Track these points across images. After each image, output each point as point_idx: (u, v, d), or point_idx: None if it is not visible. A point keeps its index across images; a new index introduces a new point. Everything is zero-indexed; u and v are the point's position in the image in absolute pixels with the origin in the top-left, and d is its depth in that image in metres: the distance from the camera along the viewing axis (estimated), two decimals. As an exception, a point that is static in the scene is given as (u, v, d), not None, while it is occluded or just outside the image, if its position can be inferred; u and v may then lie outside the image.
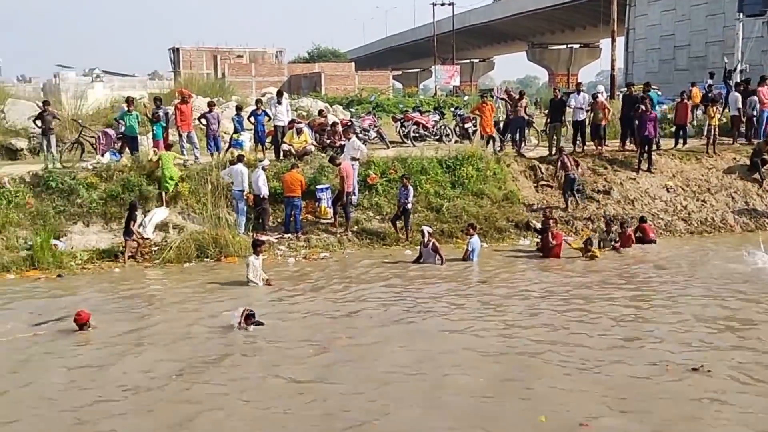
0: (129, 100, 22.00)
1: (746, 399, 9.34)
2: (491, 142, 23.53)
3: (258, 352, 11.58)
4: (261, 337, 12.24)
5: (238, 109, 23.29)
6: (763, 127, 24.43)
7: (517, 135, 23.88)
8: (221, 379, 10.38)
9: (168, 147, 20.52)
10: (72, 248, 18.39)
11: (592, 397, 9.46)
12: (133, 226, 17.98)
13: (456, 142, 25.41)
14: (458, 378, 10.26)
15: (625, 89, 25.55)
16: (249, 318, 12.60)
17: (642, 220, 20.29)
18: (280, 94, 23.49)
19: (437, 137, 26.26)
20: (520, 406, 9.26)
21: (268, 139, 22.64)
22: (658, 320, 12.90)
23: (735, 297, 14.27)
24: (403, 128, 26.39)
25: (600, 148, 23.39)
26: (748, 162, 23.42)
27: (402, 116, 27.84)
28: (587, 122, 23.58)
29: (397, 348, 11.66)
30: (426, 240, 17.79)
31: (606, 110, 23.28)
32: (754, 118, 24.71)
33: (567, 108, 23.94)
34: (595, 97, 23.70)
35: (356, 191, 20.50)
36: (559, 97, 24.38)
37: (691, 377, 10.05)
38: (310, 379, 10.32)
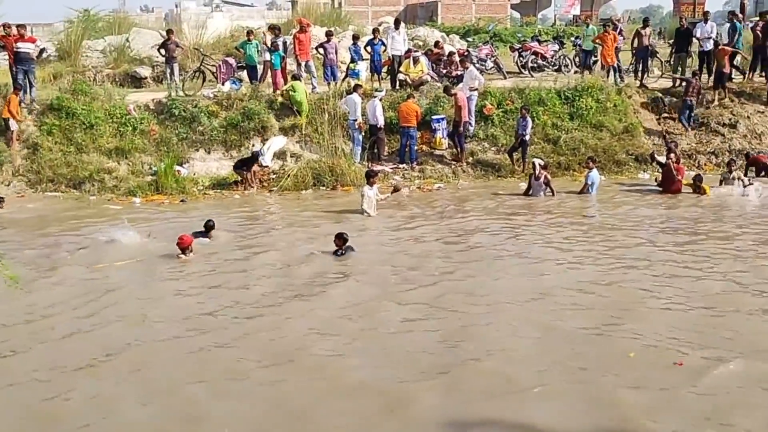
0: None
1: None
2: (612, 72, 22.79)
3: (364, 278, 11.75)
4: (366, 264, 12.43)
5: (355, 38, 23.23)
6: None
7: (640, 65, 23.10)
8: (330, 304, 10.56)
9: (296, 78, 20.66)
10: (194, 174, 18.98)
11: (690, 336, 9.21)
12: (247, 168, 18.42)
13: (575, 72, 24.73)
14: (558, 310, 10.22)
15: (758, 18, 24.14)
16: (340, 239, 12.73)
17: (747, 156, 19.71)
18: (397, 23, 23.32)
19: (556, 67, 25.63)
20: (614, 341, 9.17)
21: (385, 69, 22.57)
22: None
23: None
24: (521, 58, 25.83)
25: (723, 94, 22.17)
26: None
27: (520, 46, 27.22)
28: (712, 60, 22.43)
29: (505, 279, 11.66)
30: (538, 172, 17.51)
31: (731, 56, 22.01)
32: None
33: (693, 38, 22.97)
34: (717, 44, 22.38)
35: (473, 122, 20.30)
36: (685, 26, 23.47)
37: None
38: (422, 305, 10.41)
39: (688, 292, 10.85)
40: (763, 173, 19.28)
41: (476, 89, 20.42)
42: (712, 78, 22.36)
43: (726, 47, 21.99)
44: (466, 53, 24.95)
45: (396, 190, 16.88)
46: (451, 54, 23.50)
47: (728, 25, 23.41)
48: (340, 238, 12.76)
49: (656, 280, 11.39)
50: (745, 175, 18.67)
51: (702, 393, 7.80)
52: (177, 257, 12.67)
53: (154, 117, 20.13)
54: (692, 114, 21.03)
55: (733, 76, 22.71)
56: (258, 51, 21.34)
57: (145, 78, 24.64)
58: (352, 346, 9.14)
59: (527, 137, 19.33)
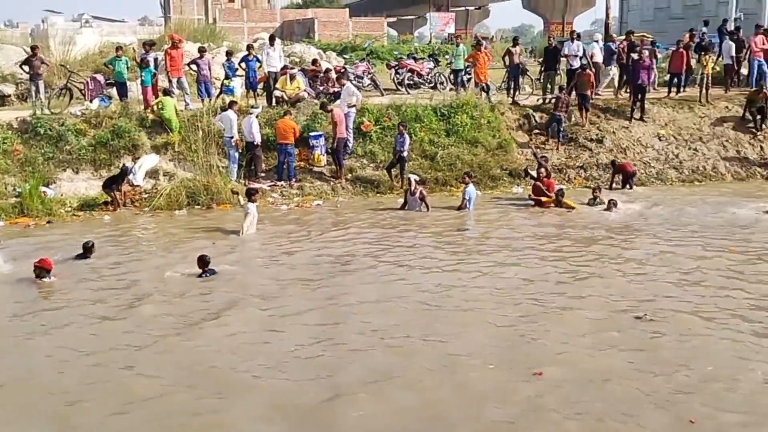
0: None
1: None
2: (485, 90, 23.23)
3: (243, 301, 11.54)
4: (242, 284, 12.29)
5: (229, 54, 22.92)
6: (755, 76, 24.25)
7: (512, 83, 23.65)
8: (215, 331, 10.32)
9: (167, 93, 20.15)
10: (61, 195, 18.20)
11: (551, 347, 9.52)
12: (116, 186, 17.84)
13: (451, 90, 25.10)
14: (432, 325, 10.38)
15: (623, 37, 25.26)
16: (202, 262, 12.52)
17: (613, 163, 20.55)
18: (272, 39, 23.13)
19: (432, 85, 25.97)
20: (478, 353, 9.37)
21: (260, 86, 22.31)
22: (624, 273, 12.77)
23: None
24: (398, 75, 26.06)
25: (586, 115, 22.62)
26: (740, 111, 23.32)
27: (396, 63, 27.47)
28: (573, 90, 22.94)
29: (382, 291, 11.83)
30: (413, 188, 17.70)
31: (592, 83, 22.57)
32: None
33: (561, 56, 23.71)
34: (584, 67, 22.85)
35: (351, 138, 20.29)
36: (553, 45, 24.28)
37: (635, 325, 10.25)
38: (301, 328, 10.29)
39: (560, 298, 11.22)
40: (627, 185, 20.04)
41: (354, 106, 20.43)
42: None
43: (589, 72, 22.66)
44: (342, 70, 24.97)
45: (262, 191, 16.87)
46: (327, 71, 23.47)
47: (594, 43, 24.39)
48: (202, 261, 12.55)
49: (528, 290, 11.68)
50: (611, 182, 20.09)
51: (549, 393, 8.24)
52: (38, 280, 12.13)
53: (17, 136, 19.16)
54: (561, 128, 21.64)
55: (599, 92, 23.56)
56: (128, 67, 20.74)
57: (9, 96, 23.61)
58: (236, 370, 8.97)
59: (405, 153, 19.46)
